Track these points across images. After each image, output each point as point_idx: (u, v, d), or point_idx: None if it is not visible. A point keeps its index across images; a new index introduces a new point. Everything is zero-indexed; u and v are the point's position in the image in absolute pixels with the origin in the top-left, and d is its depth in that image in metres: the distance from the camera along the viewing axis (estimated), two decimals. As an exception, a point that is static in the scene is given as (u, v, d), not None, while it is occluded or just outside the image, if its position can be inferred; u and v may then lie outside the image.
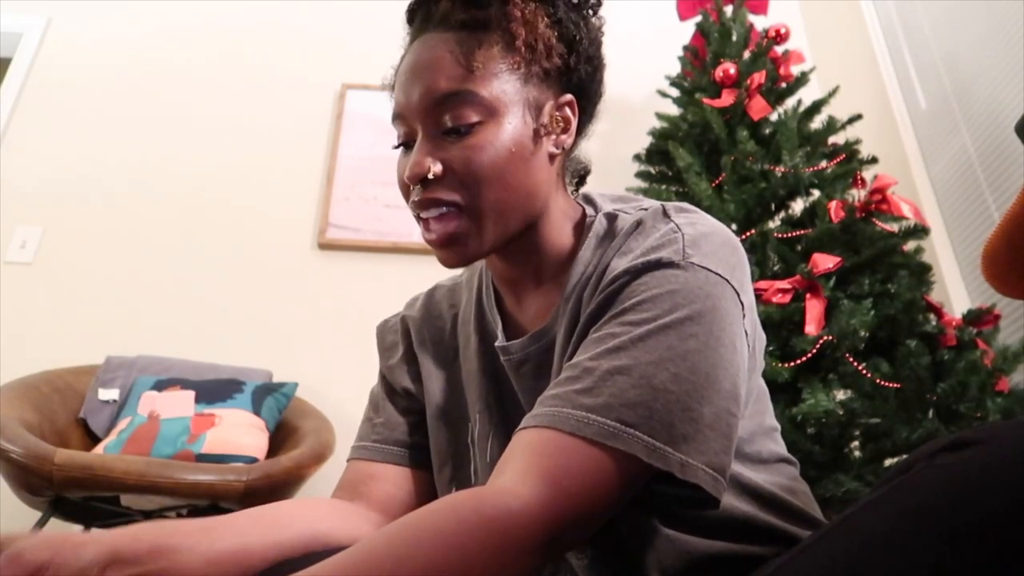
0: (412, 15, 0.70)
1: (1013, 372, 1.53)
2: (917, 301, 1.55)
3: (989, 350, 1.53)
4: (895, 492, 0.41)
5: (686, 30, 2.45)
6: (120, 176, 2.52)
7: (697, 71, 2.18)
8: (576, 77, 0.68)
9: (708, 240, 0.61)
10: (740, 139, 1.84)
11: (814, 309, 1.54)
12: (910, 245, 1.69)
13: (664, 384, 0.53)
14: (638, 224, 0.65)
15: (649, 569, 0.60)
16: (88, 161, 2.54)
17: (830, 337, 1.49)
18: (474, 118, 0.62)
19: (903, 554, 0.38)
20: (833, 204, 1.67)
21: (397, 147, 0.68)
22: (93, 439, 1.86)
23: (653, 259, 0.59)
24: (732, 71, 1.99)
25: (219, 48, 2.80)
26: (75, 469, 1.42)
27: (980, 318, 1.57)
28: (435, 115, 0.63)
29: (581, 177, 0.77)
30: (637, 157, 2.20)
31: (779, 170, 1.79)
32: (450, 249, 0.65)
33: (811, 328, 1.51)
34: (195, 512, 1.55)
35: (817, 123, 1.95)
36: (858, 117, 1.95)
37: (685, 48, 2.36)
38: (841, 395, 1.50)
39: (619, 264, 0.62)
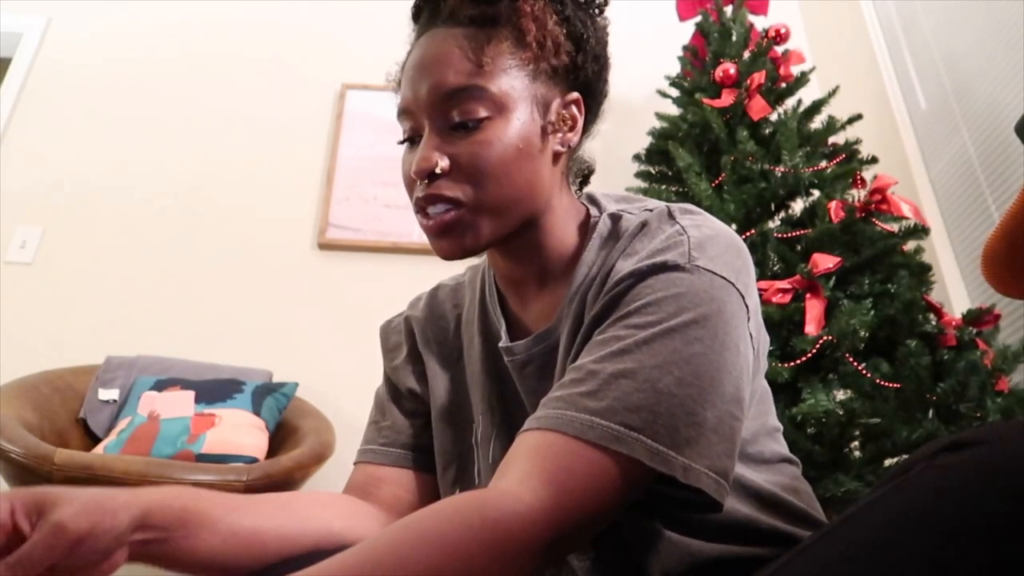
0: (418, 11, 0.69)
1: (1013, 372, 1.53)
2: (917, 301, 1.55)
3: (989, 350, 1.53)
4: (895, 492, 0.41)
5: (686, 30, 2.45)
6: (120, 176, 2.52)
7: (697, 71, 2.18)
8: (583, 75, 0.68)
9: (713, 243, 0.61)
10: (740, 139, 1.84)
11: (814, 309, 1.54)
12: (910, 245, 1.69)
13: (668, 388, 0.53)
14: (643, 225, 0.65)
15: (651, 571, 0.60)
16: (88, 161, 2.54)
17: (830, 337, 1.49)
18: (482, 113, 0.62)
19: (903, 554, 0.38)
20: (833, 204, 1.67)
21: (403, 143, 0.68)
22: (93, 439, 1.86)
23: (659, 261, 0.59)
24: (732, 71, 1.99)
25: (219, 48, 2.80)
26: (75, 469, 1.42)
27: (980, 318, 1.57)
28: (443, 110, 0.63)
29: (584, 177, 0.77)
30: (637, 157, 2.20)
31: (779, 170, 1.79)
32: (447, 238, 0.64)
33: (811, 328, 1.51)
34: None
35: (817, 123, 1.95)
36: (858, 117, 1.94)
37: (685, 48, 2.36)
38: (841, 395, 1.50)
39: (624, 266, 0.62)
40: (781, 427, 0.72)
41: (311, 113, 2.68)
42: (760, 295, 1.55)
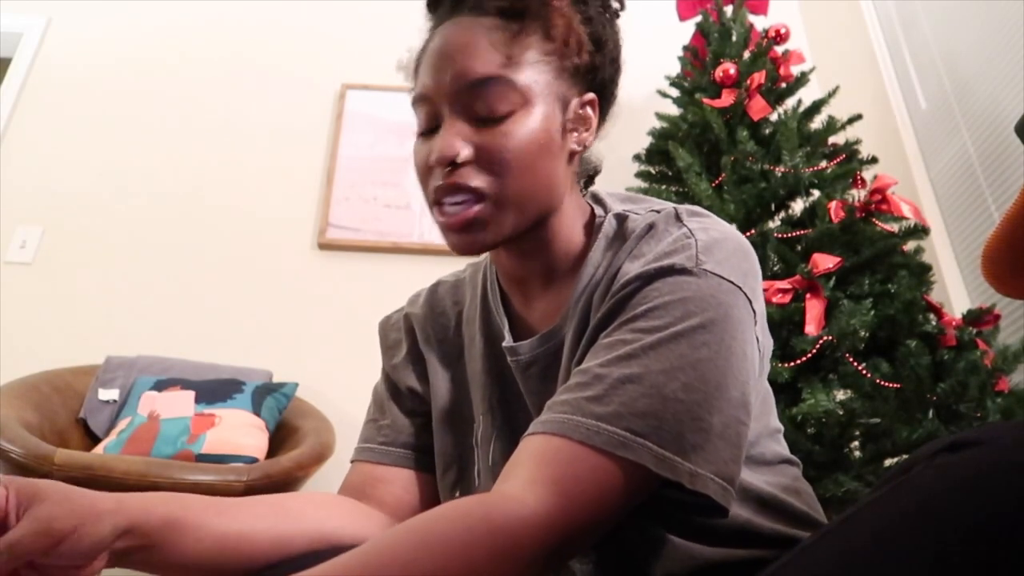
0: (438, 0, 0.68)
1: (1013, 372, 1.53)
2: (917, 301, 1.55)
3: (989, 350, 1.53)
4: (895, 492, 0.41)
5: (686, 30, 2.45)
6: (120, 176, 2.52)
7: (697, 71, 2.18)
8: (600, 77, 0.68)
9: (721, 246, 0.60)
10: (740, 139, 1.84)
11: (814, 309, 1.54)
12: (910, 245, 1.69)
13: (675, 393, 0.53)
14: (650, 227, 0.64)
15: (653, 575, 0.60)
16: (88, 161, 2.54)
17: (830, 337, 1.49)
18: (508, 106, 0.61)
19: (903, 555, 0.37)
20: (833, 204, 1.67)
21: (422, 134, 0.65)
22: (93, 439, 1.86)
23: (666, 265, 0.58)
24: (732, 71, 1.99)
25: (219, 48, 2.80)
26: (75, 469, 1.42)
27: (980, 318, 1.57)
28: (466, 99, 0.61)
29: (590, 177, 0.76)
30: (637, 157, 2.20)
31: (779, 170, 1.79)
32: (466, 234, 0.62)
33: (811, 328, 1.51)
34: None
35: (817, 123, 1.95)
36: (858, 117, 1.94)
37: (685, 48, 2.36)
38: (841, 395, 1.50)
39: (630, 268, 0.61)
40: (782, 428, 0.72)
41: (311, 113, 2.68)
42: (760, 295, 1.56)
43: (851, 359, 1.49)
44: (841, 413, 1.43)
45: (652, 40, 2.73)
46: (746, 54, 2.08)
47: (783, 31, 2.07)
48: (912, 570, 0.37)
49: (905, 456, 1.51)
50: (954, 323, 1.57)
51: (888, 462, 1.46)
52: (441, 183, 0.61)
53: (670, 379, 0.53)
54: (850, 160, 1.85)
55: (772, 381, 1.47)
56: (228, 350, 2.17)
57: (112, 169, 2.53)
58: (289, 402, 1.97)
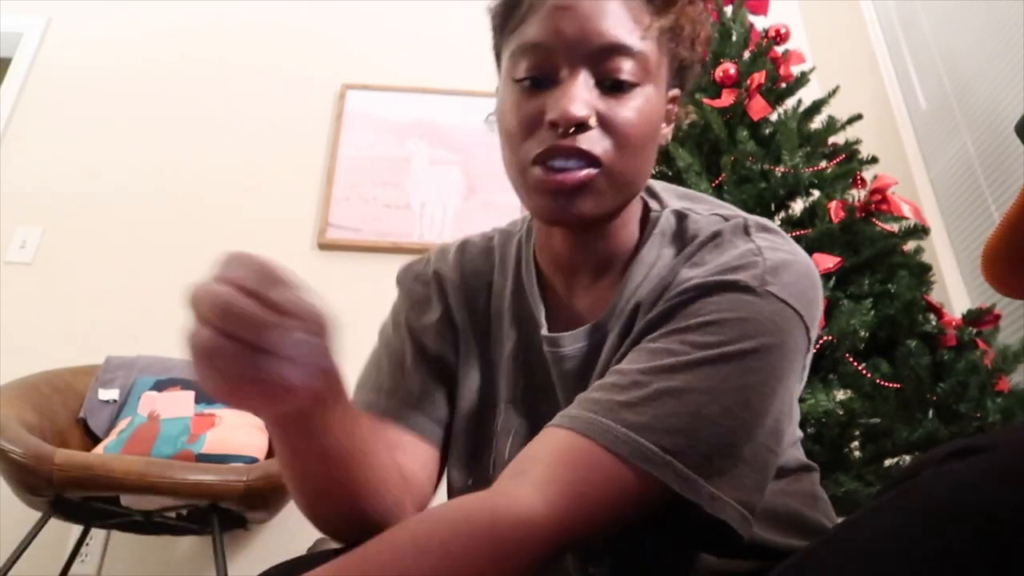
0: None
1: (1013, 372, 1.52)
2: (917, 301, 1.55)
3: (989, 350, 1.53)
4: (901, 498, 0.40)
5: (686, 30, 2.44)
6: (120, 176, 2.52)
7: (697, 71, 2.18)
8: (686, 77, 0.66)
9: (789, 269, 0.57)
10: (740, 139, 1.84)
11: (814, 309, 1.53)
12: (910, 245, 1.69)
13: (713, 416, 0.51)
14: (715, 236, 0.61)
15: None
16: (88, 161, 2.54)
17: (830, 337, 1.49)
18: (635, 78, 0.58)
19: (908, 561, 0.37)
20: (833, 204, 1.67)
21: (522, 80, 0.59)
22: (93, 439, 1.86)
23: (729, 280, 0.56)
24: (732, 71, 1.99)
25: (219, 48, 2.79)
26: (75, 469, 1.42)
27: (980, 318, 1.57)
28: (595, 61, 0.57)
29: None
30: (637, 157, 2.19)
31: (779, 170, 1.78)
32: (576, 198, 0.57)
33: (811, 328, 1.51)
34: (195, 512, 1.55)
35: (817, 123, 1.94)
36: (858, 117, 1.94)
37: (685, 48, 2.35)
38: (841, 395, 1.50)
39: (689, 275, 0.59)
40: (802, 435, 0.70)
41: (311, 113, 2.68)
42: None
43: (851, 359, 1.49)
44: (841, 413, 1.43)
45: (652, 40, 2.74)
46: (746, 54, 2.08)
47: (783, 31, 2.07)
48: None
49: (906, 456, 1.51)
50: (954, 323, 1.57)
51: (888, 462, 1.46)
52: (557, 144, 0.56)
53: (711, 400, 0.51)
54: (850, 160, 1.85)
55: (772, 381, 1.47)
56: (228, 350, 2.17)
57: (112, 169, 2.53)
58: (289, 402, 1.96)
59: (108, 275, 2.35)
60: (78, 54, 2.75)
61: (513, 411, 0.68)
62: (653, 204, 0.68)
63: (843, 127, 1.91)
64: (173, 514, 1.56)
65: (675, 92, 0.65)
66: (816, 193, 1.81)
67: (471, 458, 0.70)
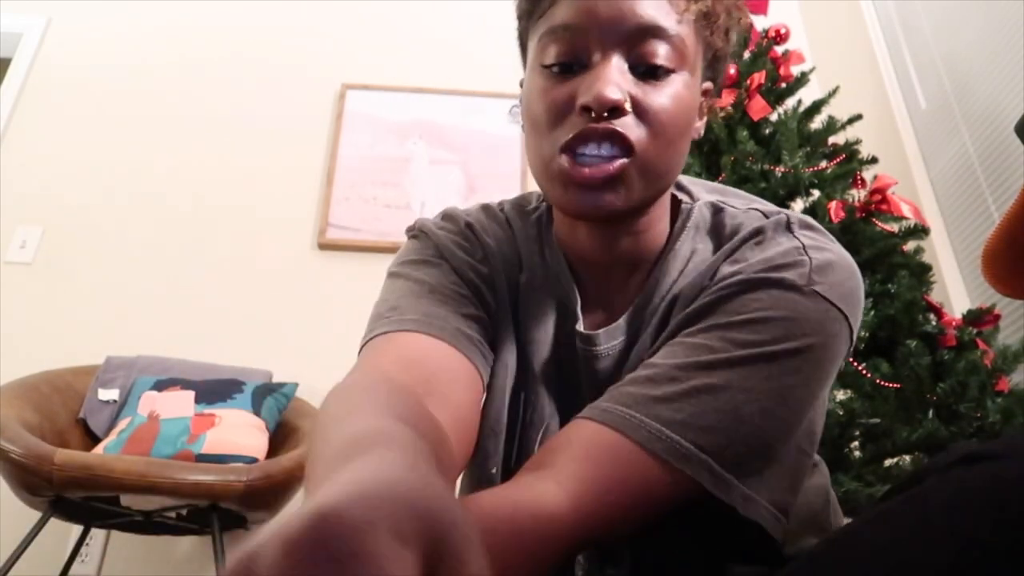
0: None
1: (1013, 372, 1.52)
2: (917, 301, 1.55)
3: (989, 350, 1.53)
4: (906, 504, 0.40)
5: (686, 30, 2.44)
6: (120, 176, 2.52)
7: (697, 71, 2.18)
8: (718, 70, 0.63)
9: (835, 269, 0.56)
10: (740, 139, 1.84)
11: (814, 309, 1.53)
12: (910, 245, 1.69)
13: (751, 416, 0.50)
14: (758, 232, 0.59)
15: None
16: (88, 161, 2.54)
17: (830, 337, 1.49)
18: (671, 64, 0.55)
19: (913, 568, 0.36)
20: (833, 204, 1.67)
21: (551, 66, 0.56)
22: (93, 439, 1.86)
23: (775, 277, 0.54)
24: (732, 71, 1.99)
25: (219, 48, 2.79)
26: (75, 469, 1.42)
27: (980, 318, 1.57)
28: (629, 44, 0.54)
29: None
30: (637, 157, 2.19)
31: (779, 170, 1.78)
32: (601, 192, 0.54)
33: (811, 328, 1.51)
34: (195, 512, 1.55)
35: (817, 123, 1.94)
36: (858, 117, 1.94)
37: (685, 48, 2.35)
38: (841, 395, 1.50)
39: (729, 271, 0.57)
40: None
41: (311, 113, 2.68)
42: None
43: (851, 359, 1.49)
44: (841, 413, 1.43)
45: (652, 40, 2.74)
46: (746, 54, 2.08)
47: (783, 31, 2.07)
48: None
49: (906, 456, 1.51)
50: (954, 323, 1.57)
51: (888, 462, 1.46)
52: (589, 127, 0.53)
53: (750, 400, 0.50)
54: (850, 160, 1.85)
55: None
56: (228, 350, 2.17)
57: (112, 169, 2.53)
58: (289, 402, 1.97)
59: (108, 275, 2.35)
60: (78, 54, 2.75)
61: (545, 405, 0.64)
62: (683, 197, 0.66)
63: (843, 127, 1.91)
64: (173, 514, 1.56)
65: (708, 85, 0.62)
66: (816, 193, 1.81)
67: (493, 446, 0.64)
